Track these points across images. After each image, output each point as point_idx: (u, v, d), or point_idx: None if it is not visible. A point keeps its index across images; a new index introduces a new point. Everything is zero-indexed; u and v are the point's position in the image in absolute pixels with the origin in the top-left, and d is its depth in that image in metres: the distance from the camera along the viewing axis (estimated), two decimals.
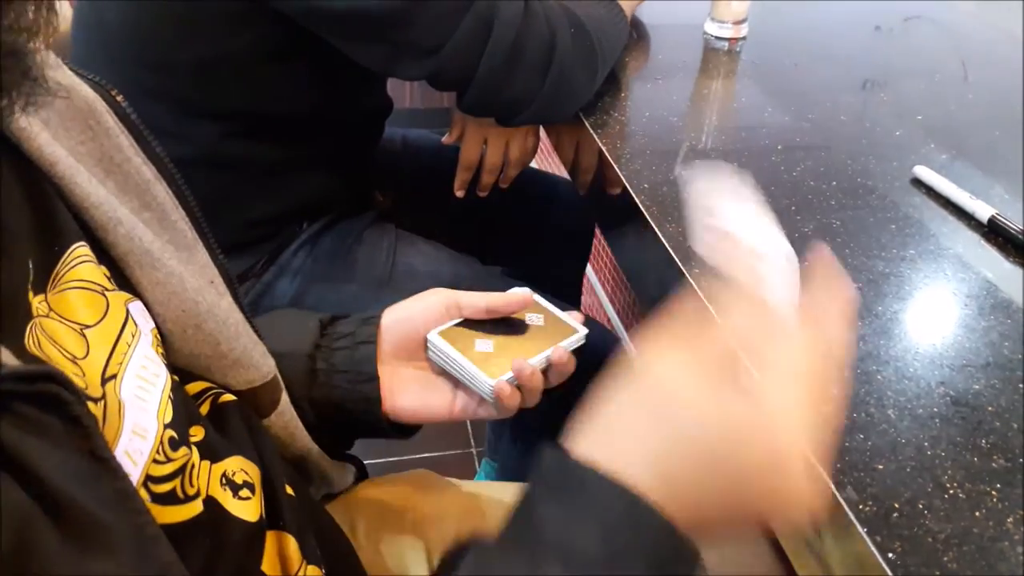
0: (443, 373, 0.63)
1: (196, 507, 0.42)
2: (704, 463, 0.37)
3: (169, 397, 0.43)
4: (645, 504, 0.35)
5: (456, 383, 0.63)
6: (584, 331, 0.65)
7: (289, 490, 0.53)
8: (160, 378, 0.43)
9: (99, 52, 0.88)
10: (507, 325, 0.65)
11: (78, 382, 0.36)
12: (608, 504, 0.36)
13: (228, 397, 0.52)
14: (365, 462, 0.73)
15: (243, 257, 0.94)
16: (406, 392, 0.63)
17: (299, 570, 0.50)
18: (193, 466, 0.43)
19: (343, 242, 0.99)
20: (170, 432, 0.41)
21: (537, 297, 0.68)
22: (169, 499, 0.40)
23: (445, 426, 1.68)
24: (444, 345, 0.61)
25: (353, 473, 0.71)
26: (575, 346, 0.64)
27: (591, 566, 0.35)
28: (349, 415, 0.63)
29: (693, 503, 0.36)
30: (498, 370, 0.60)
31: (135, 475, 0.38)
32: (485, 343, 0.62)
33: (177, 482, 0.41)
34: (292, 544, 0.50)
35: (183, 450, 0.42)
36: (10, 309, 0.36)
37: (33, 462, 0.29)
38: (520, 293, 0.65)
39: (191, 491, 0.42)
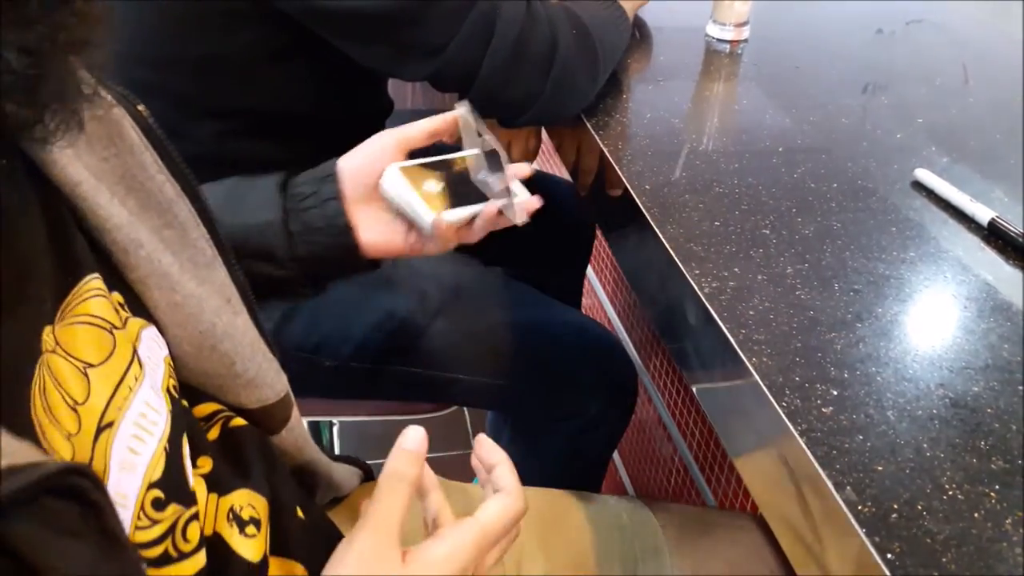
0: (397, 214, 0.69)
1: (199, 560, 0.41)
2: None
3: (164, 449, 0.41)
4: None
5: (409, 225, 0.69)
6: (519, 198, 0.72)
7: (300, 513, 0.52)
8: (158, 426, 0.42)
9: None
10: (461, 176, 0.71)
11: (66, 453, 0.36)
12: None
13: (239, 421, 0.51)
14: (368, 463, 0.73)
15: None
16: (369, 229, 0.69)
17: None
18: (188, 520, 0.41)
19: None
20: (154, 492, 0.40)
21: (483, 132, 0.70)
22: (162, 562, 0.39)
23: (445, 427, 1.68)
24: (398, 179, 0.66)
25: (359, 476, 0.71)
26: (505, 206, 0.71)
27: None
28: (331, 265, 0.70)
29: None
30: (440, 207, 0.66)
31: None
32: (434, 185, 0.67)
33: (168, 543, 0.40)
34: (301, 573, 0.50)
35: (171, 509, 0.41)
36: (25, 355, 0.35)
37: (45, 560, 0.28)
38: (454, 113, 0.70)
39: (186, 548, 0.41)
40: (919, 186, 0.78)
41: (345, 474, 0.67)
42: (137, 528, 0.38)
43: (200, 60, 0.84)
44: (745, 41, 1.09)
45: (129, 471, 0.39)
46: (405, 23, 0.77)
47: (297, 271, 0.69)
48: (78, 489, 0.31)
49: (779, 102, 0.95)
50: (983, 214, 0.72)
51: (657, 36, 1.13)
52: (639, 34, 1.12)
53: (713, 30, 1.10)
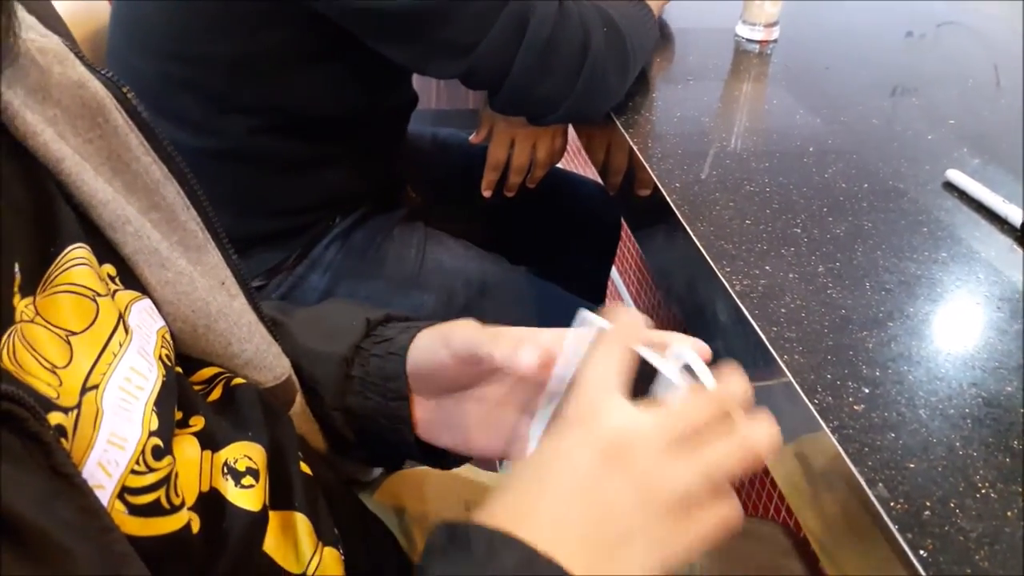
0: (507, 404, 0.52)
1: (183, 517, 0.40)
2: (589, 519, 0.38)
3: (153, 409, 0.41)
4: (541, 556, 0.36)
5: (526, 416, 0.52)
6: None
7: (305, 468, 0.52)
8: (144, 391, 0.41)
9: (134, 45, 0.90)
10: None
11: (50, 392, 0.35)
12: (502, 557, 0.36)
13: (241, 380, 0.51)
14: None
15: (276, 250, 0.95)
16: (446, 426, 0.57)
17: (315, 552, 0.49)
18: (177, 475, 0.41)
19: (374, 238, 1.00)
20: (155, 440, 0.40)
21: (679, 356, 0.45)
22: (153, 510, 0.38)
23: None
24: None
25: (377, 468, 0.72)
26: None
27: None
28: (382, 431, 0.58)
29: (585, 557, 0.37)
30: None
31: (109, 486, 0.36)
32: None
33: (161, 492, 0.39)
34: (304, 524, 0.49)
35: (167, 459, 0.40)
36: None
37: None
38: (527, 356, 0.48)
39: (176, 501, 0.40)
40: (951, 187, 0.78)
41: (357, 464, 0.67)
42: (133, 472, 0.38)
43: (233, 58, 0.85)
44: (775, 42, 1.09)
45: (126, 420, 0.39)
46: (437, 22, 0.78)
47: (343, 425, 0.58)
48: (13, 417, 0.30)
49: (809, 102, 0.95)
50: (1016, 215, 0.72)
51: (686, 36, 1.13)
52: (667, 34, 1.12)
53: (743, 30, 1.10)
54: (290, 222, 0.97)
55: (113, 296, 0.43)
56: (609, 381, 0.41)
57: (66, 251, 0.41)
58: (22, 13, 0.43)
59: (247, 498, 0.46)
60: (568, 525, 0.38)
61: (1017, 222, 0.71)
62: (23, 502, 0.29)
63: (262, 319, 0.54)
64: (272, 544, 0.47)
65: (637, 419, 0.39)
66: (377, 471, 0.71)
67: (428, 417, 0.57)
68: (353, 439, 0.60)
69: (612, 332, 0.43)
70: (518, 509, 0.39)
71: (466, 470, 0.76)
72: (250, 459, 0.47)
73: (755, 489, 1.38)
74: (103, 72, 0.48)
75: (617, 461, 0.38)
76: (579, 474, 0.39)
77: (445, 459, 0.60)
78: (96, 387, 0.38)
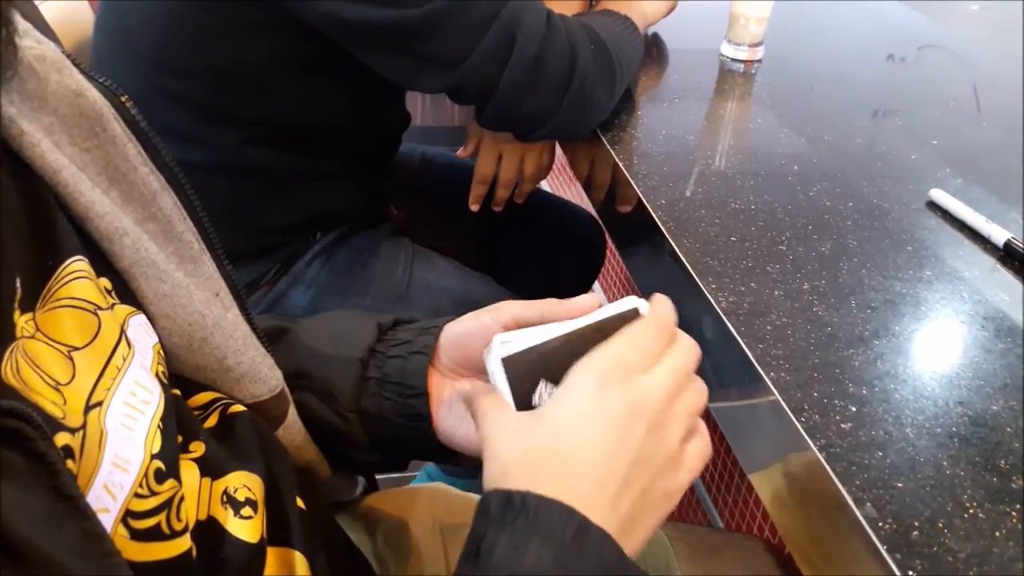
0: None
1: (184, 543, 0.40)
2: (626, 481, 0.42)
3: (159, 427, 0.40)
4: (592, 525, 0.39)
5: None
6: None
7: (300, 503, 0.51)
8: (151, 405, 0.41)
9: (120, 55, 0.88)
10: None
11: (56, 411, 0.35)
12: (554, 525, 0.38)
13: (238, 408, 0.51)
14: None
15: (255, 264, 0.94)
16: (452, 413, 0.57)
17: None
18: (182, 499, 0.40)
19: (360, 255, 0.99)
20: (157, 463, 0.39)
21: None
22: (153, 535, 0.38)
23: None
24: (500, 373, 0.48)
25: (360, 484, 0.71)
26: None
27: None
28: (398, 431, 0.59)
29: (625, 516, 0.41)
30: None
31: (114, 510, 0.36)
32: (548, 389, 0.48)
33: (162, 516, 0.38)
34: (301, 562, 0.48)
35: (170, 483, 0.40)
36: None
37: None
38: (582, 301, 0.53)
39: (178, 526, 0.39)
40: (934, 206, 0.79)
41: (344, 480, 0.66)
42: (136, 495, 0.37)
43: (222, 70, 0.84)
44: (759, 62, 1.10)
45: (128, 440, 0.38)
46: (426, 35, 0.77)
47: (358, 428, 0.59)
48: (18, 435, 0.29)
49: (793, 122, 0.95)
50: (999, 235, 0.72)
51: (672, 55, 1.14)
52: (653, 53, 1.13)
53: (728, 50, 1.10)
54: (274, 237, 0.96)
55: (112, 309, 0.42)
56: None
57: (65, 264, 0.40)
58: (18, 19, 0.43)
59: (246, 529, 0.45)
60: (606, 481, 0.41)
61: (1000, 242, 0.72)
62: (25, 523, 0.28)
63: (255, 331, 0.54)
64: None
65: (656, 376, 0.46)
66: (358, 491, 0.70)
67: (443, 412, 0.58)
68: (366, 442, 0.60)
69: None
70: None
71: (441, 489, 0.75)
72: (249, 490, 0.47)
73: (739, 506, 1.37)
74: (101, 80, 0.47)
75: (639, 415, 0.43)
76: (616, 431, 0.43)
77: (458, 455, 0.60)
78: (100, 404, 0.37)
